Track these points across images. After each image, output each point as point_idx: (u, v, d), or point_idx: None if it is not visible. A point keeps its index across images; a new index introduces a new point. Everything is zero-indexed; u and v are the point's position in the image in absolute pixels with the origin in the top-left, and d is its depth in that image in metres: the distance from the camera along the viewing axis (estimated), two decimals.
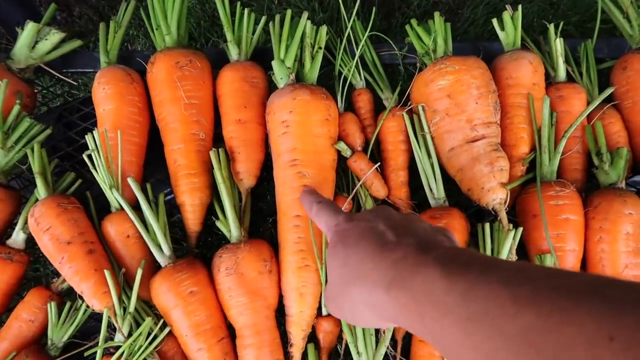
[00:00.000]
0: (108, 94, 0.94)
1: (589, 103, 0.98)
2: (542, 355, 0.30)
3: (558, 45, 0.98)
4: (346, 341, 0.86)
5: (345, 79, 1.01)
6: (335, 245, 0.56)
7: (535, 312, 0.32)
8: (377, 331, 0.85)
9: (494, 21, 0.99)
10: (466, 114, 0.88)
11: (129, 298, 0.86)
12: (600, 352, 0.27)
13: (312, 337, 0.90)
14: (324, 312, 0.89)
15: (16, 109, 0.93)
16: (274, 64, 0.93)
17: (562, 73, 1.00)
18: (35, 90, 1.07)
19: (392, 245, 0.49)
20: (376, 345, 0.83)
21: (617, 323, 0.27)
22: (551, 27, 0.99)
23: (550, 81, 1.01)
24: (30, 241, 0.94)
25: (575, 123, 0.89)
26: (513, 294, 0.34)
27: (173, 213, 1.05)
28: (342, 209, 0.72)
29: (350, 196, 0.93)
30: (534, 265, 0.42)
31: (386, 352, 0.85)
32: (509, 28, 0.98)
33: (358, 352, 0.82)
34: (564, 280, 0.33)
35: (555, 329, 0.30)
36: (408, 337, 0.90)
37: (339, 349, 0.91)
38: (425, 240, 0.49)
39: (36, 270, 1.17)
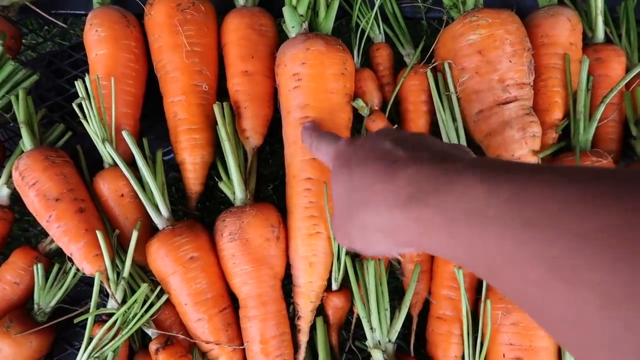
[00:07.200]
0: (101, 37, 0.84)
1: (628, 67, 0.89)
2: (622, 253, 0.23)
3: (598, 1, 0.89)
4: (357, 315, 0.80)
5: (363, 32, 0.92)
6: (339, 168, 0.51)
7: (614, 209, 0.24)
8: (392, 307, 0.79)
9: None
10: (498, 73, 0.80)
11: (123, 262, 0.79)
12: None
13: (321, 310, 0.84)
14: (334, 287, 0.83)
15: None
16: (285, 10, 0.84)
17: (600, 33, 0.91)
18: (23, 32, 0.97)
19: (404, 161, 0.43)
20: (391, 321, 0.77)
21: None
22: None
23: (586, 42, 0.93)
24: (16, 197, 0.86)
25: (616, 88, 0.81)
26: (579, 191, 0.27)
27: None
28: None
29: None
30: (594, 167, 0.34)
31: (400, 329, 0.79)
32: None
33: (372, 328, 0.76)
34: None
35: None
36: (425, 312, 0.84)
37: (350, 318, 0.85)
38: (442, 153, 0.42)
39: (25, 230, 1.09)
